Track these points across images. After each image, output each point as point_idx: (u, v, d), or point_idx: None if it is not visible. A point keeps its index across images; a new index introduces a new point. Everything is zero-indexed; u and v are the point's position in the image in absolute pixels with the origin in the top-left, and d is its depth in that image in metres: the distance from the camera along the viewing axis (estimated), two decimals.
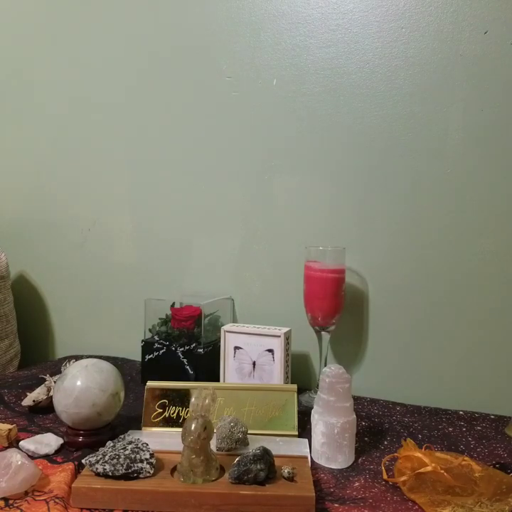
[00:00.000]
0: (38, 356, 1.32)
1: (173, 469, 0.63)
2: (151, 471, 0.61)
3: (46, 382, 0.90)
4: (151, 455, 0.63)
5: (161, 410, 0.79)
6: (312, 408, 0.72)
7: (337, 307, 0.92)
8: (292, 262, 1.03)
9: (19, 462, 0.60)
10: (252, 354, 0.93)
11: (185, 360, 0.97)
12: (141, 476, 0.61)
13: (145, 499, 0.58)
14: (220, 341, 0.96)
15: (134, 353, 1.11)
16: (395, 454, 0.67)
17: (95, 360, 0.75)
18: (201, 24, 1.10)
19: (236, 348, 0.95)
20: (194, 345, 0.98)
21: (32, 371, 1.10)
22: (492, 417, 0.87)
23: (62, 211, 1.28)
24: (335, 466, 0.68)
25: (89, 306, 1.27)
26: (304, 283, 0.93)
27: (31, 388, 0.93)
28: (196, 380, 0.96)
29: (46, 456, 0.69)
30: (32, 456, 0.68)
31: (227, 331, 0.95)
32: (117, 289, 1.24)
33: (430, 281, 0.95)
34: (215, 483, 0.60)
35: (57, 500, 0.58)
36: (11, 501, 0.58)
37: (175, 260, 1.17)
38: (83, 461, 0.63)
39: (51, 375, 0.94)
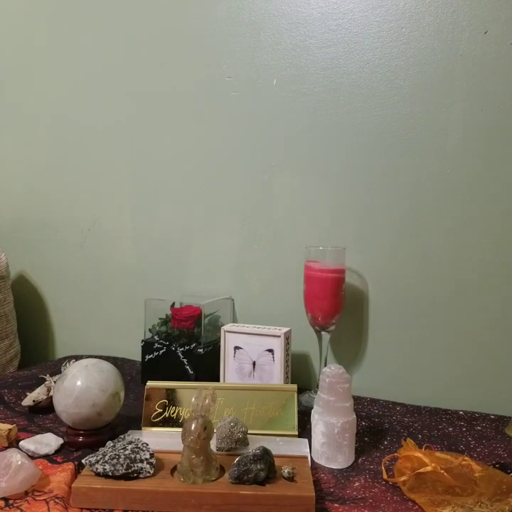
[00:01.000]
0: (38, 356, 1.32)
1: (173, 469, 0.63)
2: (151, 471, 0.61)
3: (46, 382, 0.90)
4: (151, 455, 0.63)
5: (161, 410, 0.79)
6: (312, 408, 0.72)
7: (337, 307, 0.92)
8: (292, 262, 1.03)
9: (19, 462, 0.60)
10: (252, 354, 0.93)
11: (185, 360, 0.97)
12: (141, 476, 0.61)
13: (145, 499, 0.58)
14: (220, 341, 0.96)
15: (134, 353, 1.11)
16: (395, 454, 0.67)
17: (95, 360, 0.75)
18: (201, 24, 1.10)
19: (236, 348, 0.95)
20: (194, 345, 0.98)
21: (32, 371, 1.10)
22: (492, 417, 0.87)
23: (62, 211, 1.28)
24: (335, 466, 0.68)
25: (89, 306, 1.27)
26: (304, 283, 0.93)
27: (31, 388, 0.93)
28: (196, 380, 0.96)
29: (46, 456, 0.69)
30: (32, 456, 0.68)
31: (227, 331, 0.95)
32: (117, 289, 1.24)
33: (430, 281, 0.95)
34: (215, 483, 0.60)
35: (57, 500, 0.58)
36: (11, 501, 0.58)
37: (175, 260, 1.17)
38: (83, 461, 0.63)
39: (51, 375, 0.94)
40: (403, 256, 0.97)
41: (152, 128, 1.17)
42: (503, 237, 0.90)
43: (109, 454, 0.62)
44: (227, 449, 0.69)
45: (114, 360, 1.09)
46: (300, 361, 1.04)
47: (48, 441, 0.72)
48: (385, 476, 0.65)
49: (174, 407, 0.79)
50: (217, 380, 0.97)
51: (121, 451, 0.63)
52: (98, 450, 0.65)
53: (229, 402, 0.79)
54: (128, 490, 0.59)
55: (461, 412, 0.89)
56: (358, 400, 0.94)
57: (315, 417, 0.70)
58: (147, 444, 0.65)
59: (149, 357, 1.00)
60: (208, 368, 0.98)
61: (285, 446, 0.71)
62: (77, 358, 1.10)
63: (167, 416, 0.79)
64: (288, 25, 1.03)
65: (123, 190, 1.22)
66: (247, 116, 1.08)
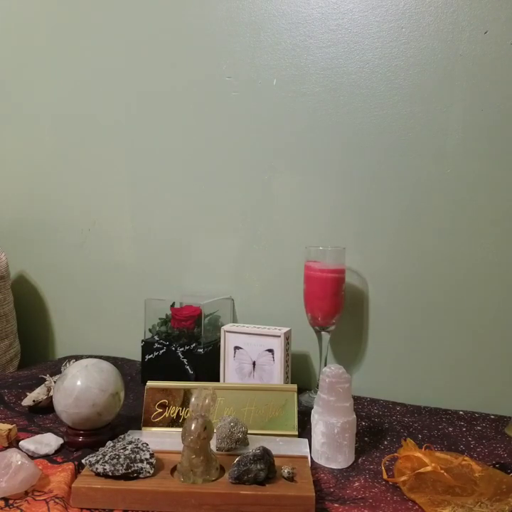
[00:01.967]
0: (38, 356, 1.32)
1: (173, 469, 0.63)
2: (151, 471, 0.61)
3: (46, 382, 0.90)
4: (151, 455, 0.63)
5: (161, 410, 0.79)
6: (312, 408, 0.72)
7: (337, 307, 0.92)
8: (292, 262, 1.03)
9: (19, 462, 0.60)
10: (252, 354, 0.93)
11: (185, 360, 0.97)
12: (141, 476, 0.61)
13: (145, 499, 0.58)
14: (220, 341, 0.96)
15: (134, 353, 1.11)
16: (395, 454, 0.67)
17: (95, 360, 0.75)
18: (201, 24, 1.10)
19: (236, 348, 0.95)
20: (194, 345, 0.98)
21: (32, 371, 1.10)
22: (492, 417, 0.87)
23: (62, 211, 1.28)
24: (335, 466, 0.68)
25: (89, 306, 1.27)
26: (304, 283, 0.93)
27: (31, 388, 0.93)
28: (196, 380, 0.96)
29: (46, 456, 0.69)
30: (32, 456, 0.68)
31: (227, 331, 0.95)
32: (117, 289, 1.24)
33: (430, 281, 0.95)
34: (215, 483, 0.60)
35: (57, 500, 0.58)
36: (11, 501, 0.58)
37: (175, 260, 1.17)
38: (83, 461, 0.63)
39: (51, 375, 0.94)
40: (403, 256, 0.97)
41: (152, 128, 1.17)
42: (503, 237, 0.90)
43: (109, 454, 0.62)
44: (227, 449, 0.69)
45: (114, 360, 1.09)
46: (300, 361, 1.04)
47: (48, 441, 0.72)
48: (385, 476, 0.65)
49: (174, 407, 0.79)
50: (217, 380, 0.97)
51: (121, 451, 0.63)
52: (98, 450, 0.65)
53: (229, 402, 0.79)
54: (128, 490, 0.59)
55: (461, 412, 0.89)
56: (358, 400, 0.94)
57: (315, 417, 0.71)
58: (147, 444, 0.65)
59: (149, 357, 1.00)
60: (208, 368, 0.98)
61: (285, 446, 0.71)
62: (77, 358, 1.10)
63: (167, 416, 0.79)
64: (288, 25, 1.03)
65: (123, 190, 1.22)
66: (247, 116, 1.08)
